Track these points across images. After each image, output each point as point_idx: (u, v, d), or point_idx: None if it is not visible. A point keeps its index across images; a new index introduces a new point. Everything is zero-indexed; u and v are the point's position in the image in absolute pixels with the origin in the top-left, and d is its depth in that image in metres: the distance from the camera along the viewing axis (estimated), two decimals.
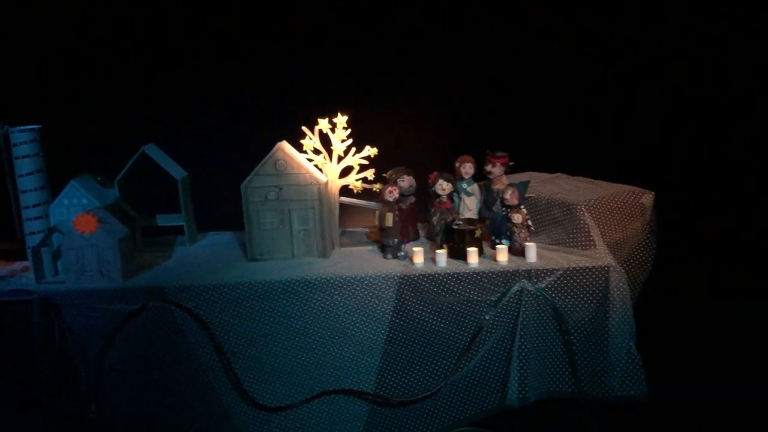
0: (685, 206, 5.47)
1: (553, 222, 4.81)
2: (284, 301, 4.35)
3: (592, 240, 4.58)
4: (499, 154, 4.96)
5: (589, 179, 5.21)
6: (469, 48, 5.84)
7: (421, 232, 5.25)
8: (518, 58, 5.86)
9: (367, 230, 5.26)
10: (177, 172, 5.20)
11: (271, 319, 4.35)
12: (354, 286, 4.41)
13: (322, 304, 4.37)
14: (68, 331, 4.32)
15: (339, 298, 4.37)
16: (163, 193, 5.18)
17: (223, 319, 4.34)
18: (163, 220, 5.29)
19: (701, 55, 5.65)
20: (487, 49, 5.84)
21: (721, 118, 5.65)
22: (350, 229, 5.43)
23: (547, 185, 5.12)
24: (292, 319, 4.35)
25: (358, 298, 4.37)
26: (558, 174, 5.40)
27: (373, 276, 4.42)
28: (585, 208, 4.64)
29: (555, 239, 4.76)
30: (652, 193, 4.79)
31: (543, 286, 4.34)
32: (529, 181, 4.87)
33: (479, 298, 4.33)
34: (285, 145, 4.74)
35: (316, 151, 4.76)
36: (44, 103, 5.63)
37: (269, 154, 4.69)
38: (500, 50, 5.83)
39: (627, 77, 5.82)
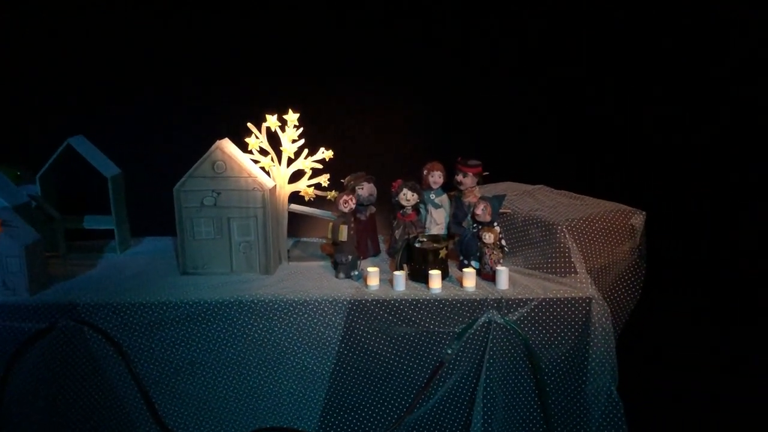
0: (679, 228, 4.87)
1: (529, 243, 4.33)
2: (216, 325, 3.91)
3: (573, 266, 4.11)
4: (471, 162, 4.48)
5: (574, 194, 4.74)
6: (441, 37, 5.34)
7: (383, 246, 4.76)
8: (500, 53, 5.37)
9: (323, 241, 4.86)
10: (107, 168, 4.68)
11: (200, 346, 3.91)
12: (297, 310, 3.92)
13: (260, 330, 3.92)
14: None
15: (279, 324, 3.92)
16: (93, 192, 4.72)
17: (144, 344, 3.90)
18: (90, 223, 4.77)
19: (699, 52, 5.07)
20: (462, 41, 5.35)
21: (721, 126, 5.06)
22: (305, 239, 5.02)
23: (525, 200, 4.65)
24: (224, 346, 3.92)
25: (302, 324, 3.92)
26: (539, 186, 4.93)
27: (319, 300, 3.93)
28: (566, 228, 4.17)
29: (531, 263, 4.29)
30: (643, 213, 4.37)
31: (514, 318, 3.90)
32: (504, 195, 4.34)
33: (441, 330, 3.90)
34: (225, 144, 4.21)
35: (263, 152, 4.32)
36: None
37: (206, 154, 4.16)
38: (477, 43, 5.35)
39: (618, 77, 5.27)
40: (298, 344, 3.92)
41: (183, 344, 3.89)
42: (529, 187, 4.90)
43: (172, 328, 3.88)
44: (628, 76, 5.28)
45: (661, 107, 5.20)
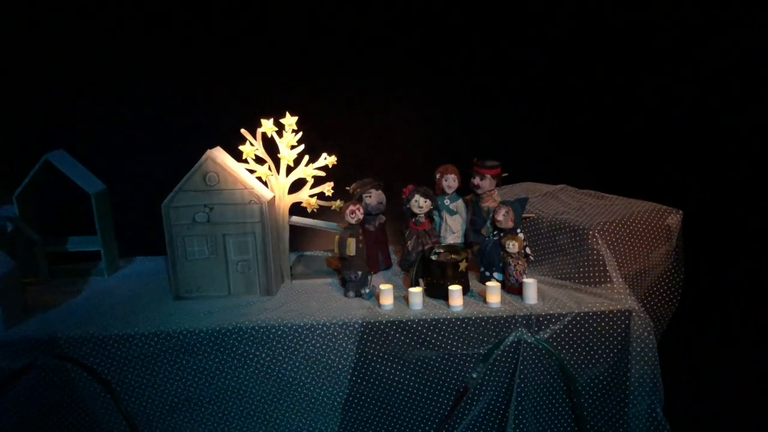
0: (719, 226, 4.45)
1: (557, 250, 3.97)
2: (213, 357, 3.59)
3: (608, 274, 3.77)
4: (489, 163, 4.12)
5: (600, 193, 4.42)
6: (452, 30, 4.97)
7: (394, 257, 4.43)
8: (513, 44, 4.97)
9: (329, 254, 4.55)
10: (90, 184, 4.35)
11: (197, 380, 3.59)
12: (303, 336, 3.58)
13: (263, 360, 3.60)
14: None
15: (284, 352, 3.60)
16: (77, 211, 4.43)
17: (135, 380, 3.58)
18: (74, 245, 4.43)
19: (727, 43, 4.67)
20: (477, 30, 4.96)
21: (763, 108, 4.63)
22: (308, 253, 4.68)
23: (548, 202, 4.32)
24: (223, 380, 3.60)
25: (309, 351, 3.59)
26: (561, 186, 4.59)
27: (328, 323, 3.59)
28: (599, 233, 3.81)
29: (560, 272, 3.94)
30: (680, 211, 4.06)
31: (546, 336, 3.57)
32: (527, 198, 4.00)
33: (464, 352, 3.58)
34: (217, 153, 3.88)
35: (259, 160, 4.02)
36: None
37: (196, 165, 3.83)
38: (493, 32, 4.96)
39: (643, 66, 4.84)
40: (306, 374, 3.60)
41: (177, 379, 3.58)
42: (551, 187, 4.57)
43: (164, 362, 3.57)
44: (646, 64, 4.88)
45: (689, 89, 4.75)
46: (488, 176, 4.09)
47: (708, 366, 4.20)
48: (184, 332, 3.54)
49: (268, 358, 3.57)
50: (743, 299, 4.40)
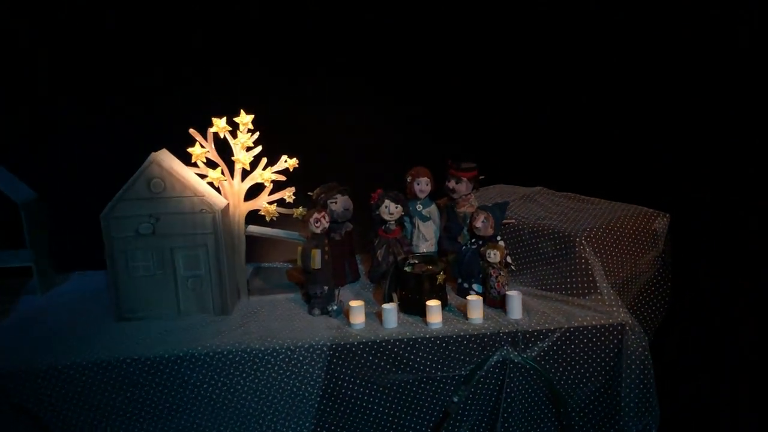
0: (709, 229, 4.24)
1: (540, 259, 3.72)
2: (162, 387, 3.22)
3: (596, 284, 3.53)
4: (465, 165, 3.88)
5: (580, 196, 4.21)
6: (420, 26, 4.71)
7: (362, 268, 4.15)
8: (483, 41, 4.75)
9: (289, 266, 4.27)
10: (18, 192, 4.00)
11: (144, 414, 3.22)
12: (265, 362, 3.24)
13: (219, 390, 3.25)
14: None
15: (243, 381, 3.25)
16: (4, 222, 4.03)
17: (72, 417, 3.19)
18: (2, 260, 4.02)
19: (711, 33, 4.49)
20: (446, 27, 4.72)
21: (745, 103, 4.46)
22: (266, 265, 4.36)
23: (527, 206, 4.10)
24: (174, 413, 3.23)
25: (272, 379, 3.26)
26: (538, 188, 4.35)
27: (292, 347, 3.25)
28: (586, 240, 3.55)
29: (544, 283, 3.69)
30: (667, 215, 3.85)
31: (534, 354, 3.30)
32: (507, 203, 3.77)
33: (444, 374, 3.31)
34: (163, 157, 3.52)
35: (211, 164, 3.69)
36: None
37: (139, 170, 3.47)
38: (462, 29, 4.73)
39: (618, 61, 4.66)
40: (268, 405, 3.26)
41: (121, 414, 3.20)
42: (527, 190, 4.34)
43: (106, 395, 3.20)
44: (620, 59, 4.68)
45: (664, 86, 4.56)
46: (464, 179, 3.83)
47: (700, 378, 3.96)
48: (128, 360, 3.19)
49: (225, 388, 3.23)
50: (731, 307, 4.19)
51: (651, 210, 3.86)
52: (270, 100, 4.13)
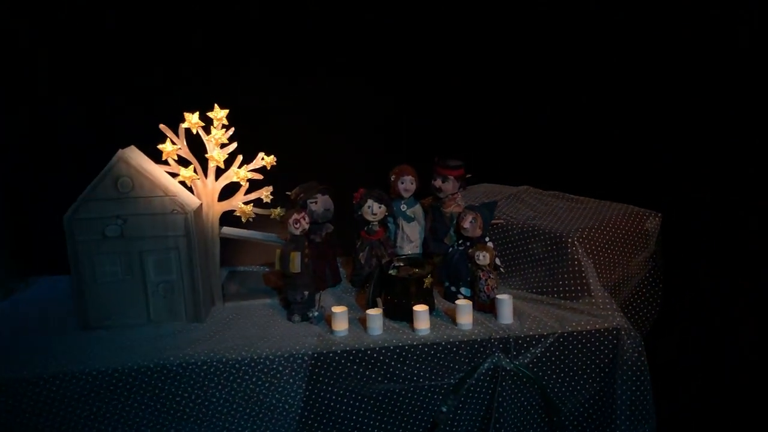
0: (708, 229, 4.17)
1: (530, 261, 3.60)
2: (132, 401, 3.03)
3: (589, 286, 3.41)
4: (452, 163, 3.75)
5: (568, 195, 4.11)
6: (403, 21, 4.62)
7: (343, 271, 3.99)
8: (468, 37, 4.67)
9: (266, 269, 4.11)
10: None
11: (109, 430, 3.02)
12: (242, 373, 3.07)
13: (193, 404, 3.06)
14: None
15: (219, 393, 3.07)
16: None
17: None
18: None
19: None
20: (431, 22, 4.64)
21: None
22: (242, 269, 4.18)
23: (515, 205, 3.98)
24: (145, 428, 3.05)
25: (250, 391, 3.08)
26: (525, 187, 4.23)
27: (271, 356, 3.07)
28: (578, 241, 3.45)
29: (534, 286, 3.57)
30: (659, 214, 3.78)
31: (526, 361, 3.17)
32: (495, 202, 3.67)
33: (432, 383, 3.17)
34: (131, 154, 3.32)
35: (183, 162, 3.51)
36: None
37: (106, 168, 3.26)
38: (447, 24, 4.65)
39: (604, 59, 4.58)
40: (246, 418, 3.10)
41: (87, 430, 3.00)
42: (513, 189, 4.22)
43: (70, 410, 2.99)
44: (607, 57, 4.62)
45: (651, 83, 4.51)
46: (451, 178, 3.70)
47: (700, 378, 3.88)
48: (95, 373, 2.99)
49: (199, 401, 3.05)
50: (731, 307, 4.12)
51: (642, 209, 3.78)
52: (245, 94, 4.00)
